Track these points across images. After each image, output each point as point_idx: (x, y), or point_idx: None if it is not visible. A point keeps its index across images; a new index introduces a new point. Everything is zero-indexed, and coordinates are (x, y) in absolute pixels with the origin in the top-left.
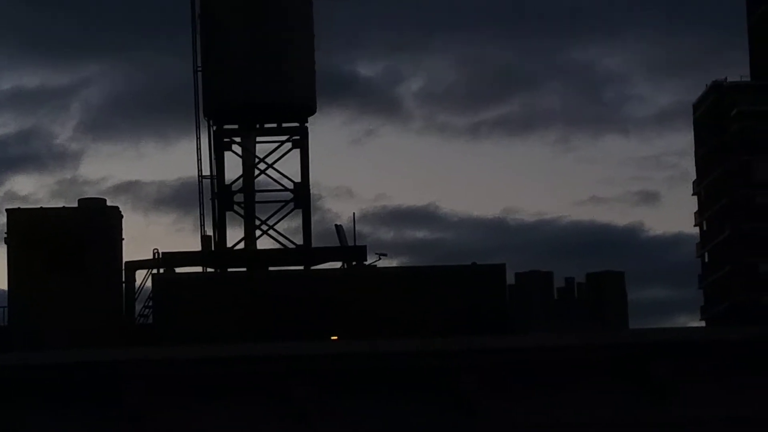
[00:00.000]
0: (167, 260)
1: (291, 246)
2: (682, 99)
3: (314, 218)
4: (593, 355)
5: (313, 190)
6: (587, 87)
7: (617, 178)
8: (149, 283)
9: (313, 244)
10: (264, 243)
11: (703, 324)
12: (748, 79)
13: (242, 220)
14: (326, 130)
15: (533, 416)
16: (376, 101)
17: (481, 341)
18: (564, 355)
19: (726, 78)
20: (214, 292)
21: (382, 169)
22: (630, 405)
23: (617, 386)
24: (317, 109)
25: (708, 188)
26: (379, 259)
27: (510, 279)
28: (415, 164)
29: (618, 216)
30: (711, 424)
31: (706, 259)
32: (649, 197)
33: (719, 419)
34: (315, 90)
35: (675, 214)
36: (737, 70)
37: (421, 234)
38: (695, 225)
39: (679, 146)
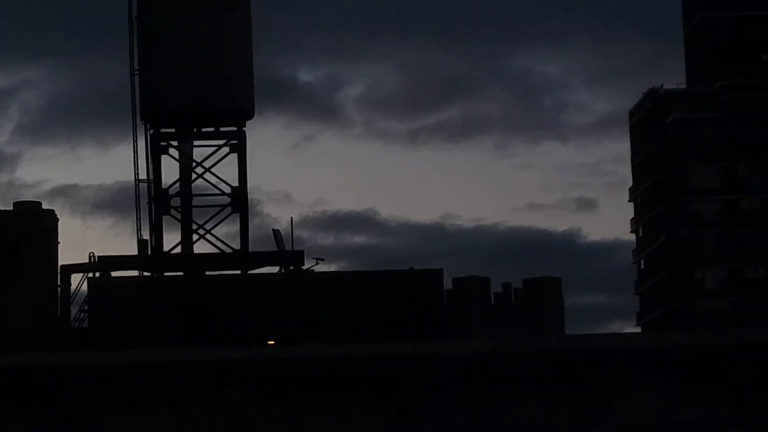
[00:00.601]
0: (103, 264)
1: (228, 250)
2: (620, 106)
3: (253, 223)
4: (530, 360)
5: (252, 195)
6: (526, 94)
7: (555, 185)
8: (85, 287)
9: (251, 249)
10: (201, 247)
11: (638, 330)
12: (684, 86)
13: (179, 224)
14: (266, 135)
15: (471, 421)
16: (316, 106)
17: (418, 346)
18: (501, 360)
19: (662, 85)
20: (150, 296)
21: (322, 174)
22: (567, 410)
23: (554, 392)
24: (257, 114)
25: (644, 195)
26: (317, 263)
27: (447, 284)
28: (355, 169)
29: (556, 222)
30: (647, 429)
31: (642, 266)
32: (586, 204)
33: (655, 424)
34: (253, 94)
35: (612, 221)
36: (674, 78)
37: (360, 239)
38: (631, 232)
39: (617, 153)
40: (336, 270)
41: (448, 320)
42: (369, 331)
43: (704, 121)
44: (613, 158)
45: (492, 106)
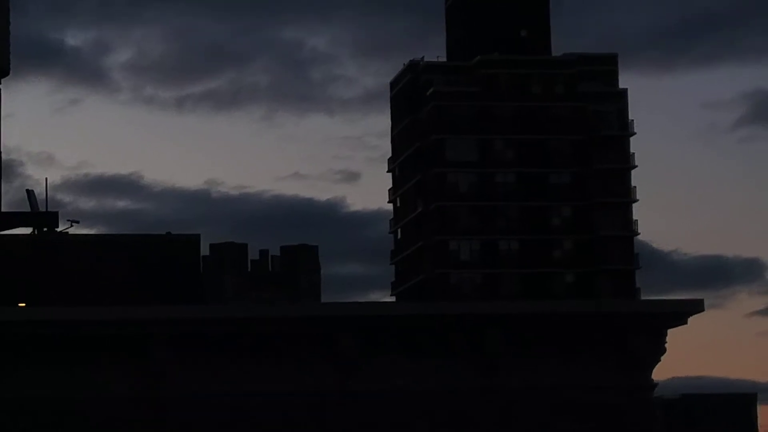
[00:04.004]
0: None
1: None
2: (386, 81)
3: (14, 184)
4: (282, 327)
5: (12, 156)
6: (294, 66)
7: (320, 156)
8: None
9: (5, 210)
10: None
11: (393, 299)
12: (445, 60)
13: None
14: (31, 97)
15: (222, 386)
16: (83, 71)
17: (173, 310)
18: (254, 326)
19: (423, 58)
20: None
21: (87, 137)
22: (319, 376)
23: (307, 358)
24: (21, 75)
25: (402, 166)
26: (71, 226)
27: (205, 250)
28: (120, 134)
29: (320, 192)
30: (395, 395)
31: (399, 236)
32: (350, 176)
33: (403, 391)
34: (9, 51)
35: (375, 193)
36: (438, 52)
37: (123, 203)
38: (389, 202)
39: (381, 127)
40: (95, 233)
41: (204, 286)
42: (123, 294)
43: (462, 94)
44: (378, 132)
45: (260, 76)
